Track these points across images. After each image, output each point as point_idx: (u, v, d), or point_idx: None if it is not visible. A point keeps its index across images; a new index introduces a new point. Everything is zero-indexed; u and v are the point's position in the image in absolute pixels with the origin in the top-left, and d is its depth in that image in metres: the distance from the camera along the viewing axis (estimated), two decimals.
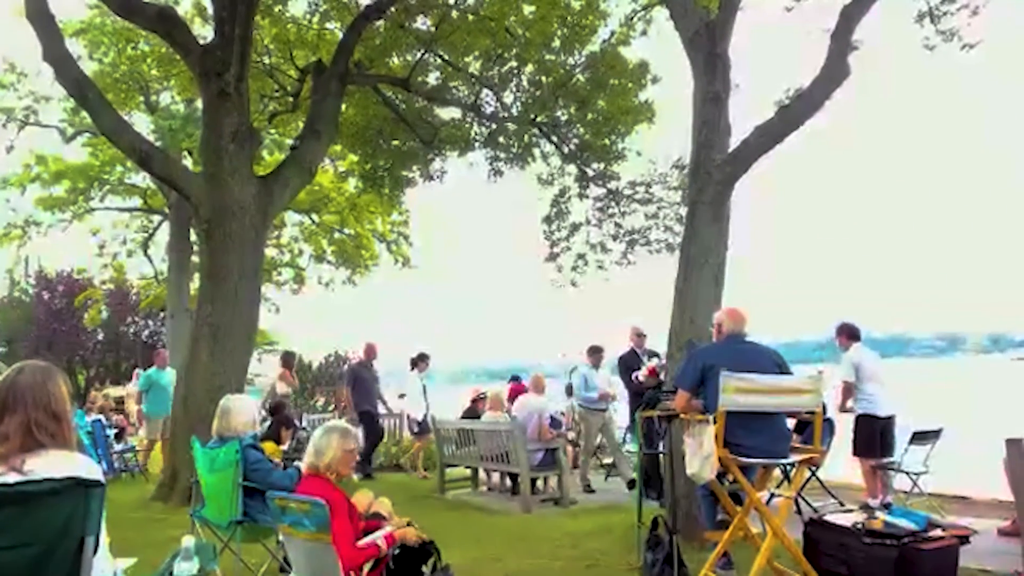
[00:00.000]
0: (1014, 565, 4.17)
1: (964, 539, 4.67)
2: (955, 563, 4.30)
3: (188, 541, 4.38)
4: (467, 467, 9.20)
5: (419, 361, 10.96)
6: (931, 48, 8.65)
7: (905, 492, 6.71)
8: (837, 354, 7.16)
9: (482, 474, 9.42)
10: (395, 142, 12.30)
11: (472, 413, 9.74)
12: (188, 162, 16.38)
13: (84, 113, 11.83)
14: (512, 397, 11.23)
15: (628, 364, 8.28)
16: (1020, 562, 3.33)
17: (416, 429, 10.63)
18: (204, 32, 12.18)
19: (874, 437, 6.69)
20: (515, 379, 11.50)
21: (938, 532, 4.35)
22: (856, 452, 6.82)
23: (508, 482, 8.80)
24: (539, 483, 8.48)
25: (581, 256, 13.10)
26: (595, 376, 9.00)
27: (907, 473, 6.68)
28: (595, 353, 9.17)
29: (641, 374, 7.77)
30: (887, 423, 6.77)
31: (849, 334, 7.08)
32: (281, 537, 3.88)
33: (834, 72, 6.26)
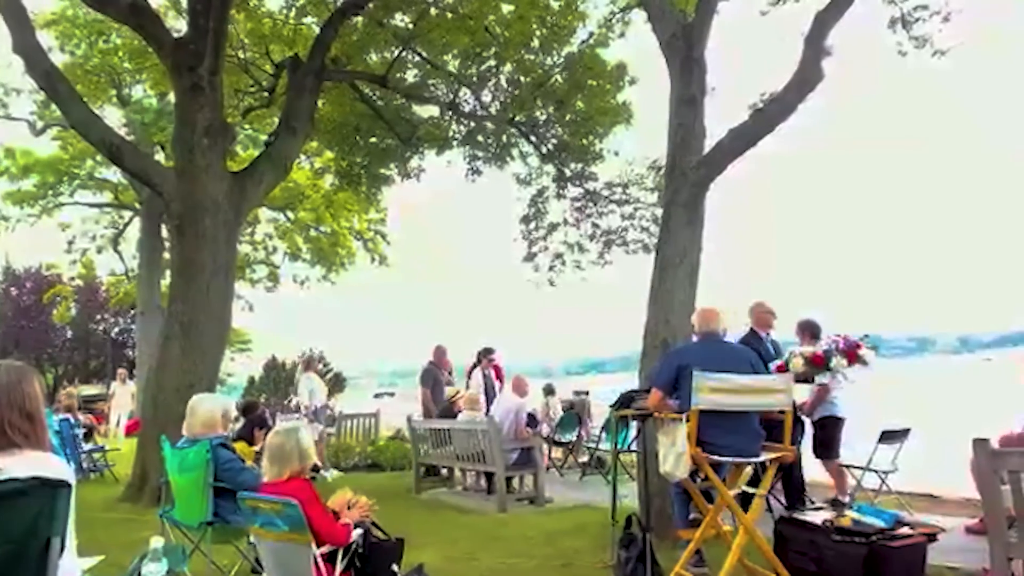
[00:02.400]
0: (981, 562, 4.24)
1: (932, 536, 4.76)
2: (923, 560, 4.37)
3: (156, 542, 4.32)
4: (443, 466, 9.17)
5: (483, 357, 10.27)
6: (903, 54, 8.83)
7: (874, 490, 6.81)
8: None
9: (458, 473, 9.40)
10: (372, 139, 12.24)
11: (447, 412, 9.68)
12: (160, 157, 16.13)
13: (54, 106, 11.61)
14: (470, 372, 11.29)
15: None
16: (987, 559, 3.40)
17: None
18: (178, 25, 12.00)
19: (836, 438, 6.75)
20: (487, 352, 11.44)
21: (906, 530, 4.42)
22: (817, 454, 6.86)
23: (484, 481, 8.79)
24: (515, 482, 8.49)
25: (559, 256, 13.16)
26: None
27: (876, 471, 6.78)
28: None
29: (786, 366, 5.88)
30: (842, 424, 6.85)
31: (812, 333, 6.99)
32: (252, 538, 3.84)
33: (808, 76, 6.34)
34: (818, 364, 5.45)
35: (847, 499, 6.39)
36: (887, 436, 6.77)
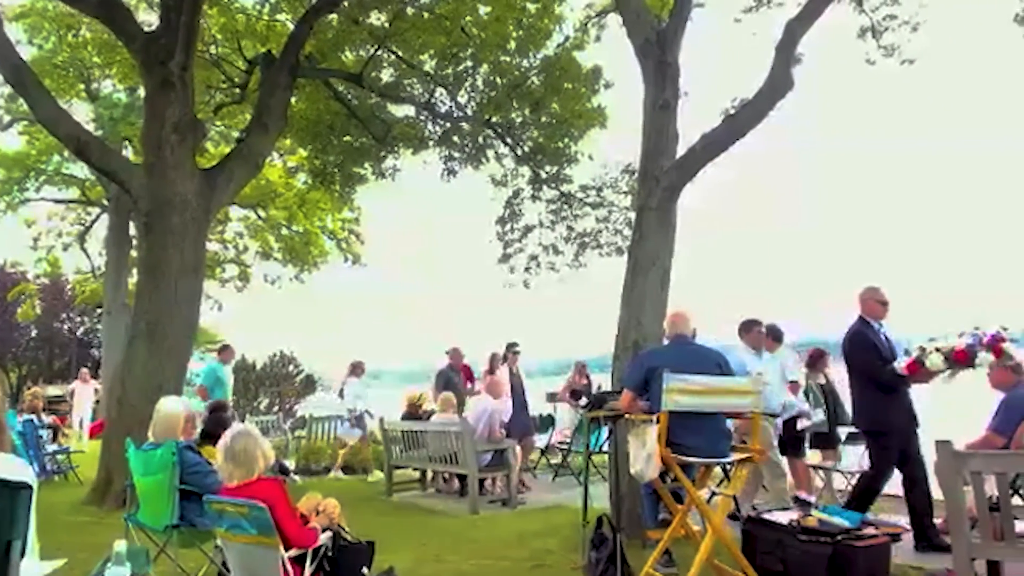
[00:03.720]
0: (944, 562, 4.34)
1: (896, 537, 4.87)
2: (887, 560, 4.46)
3: (120, 545, 4.24)
4: (415, 468, 9.13)
5: (509, 352, 9.80)
6: (872, 63, 9.02)
7: (840, 491, 6.93)
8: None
9: (430, 475, 9.36)
10: (347, 138, 12.15)
11: (412, 416, 9.59)
12: (129, 152, 15.83)
13: (21, 100, 11.35)
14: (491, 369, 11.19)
15: (862, 342, 5.57)
16: (950, 560, 3.47)
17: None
18: (149, 19, 11.81)
19: (803, 437, 6.93)
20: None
21: (871, 530, 4.52)
22: (789, 452, 7.01)
23: (456, 483, 8.77)
24: (488, 484, 8.48)
25: (534, 257, 13.19)
26: (758, 363, 6.65)
27: (842, 472, 6.90)
28: (751, 330, 6.79)
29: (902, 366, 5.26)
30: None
31: (775, 336, 7.23)
32: (219, 542, 3.79)
33: (778, 83, 6.44)
34: (961, 360, 4.94)
35: (813, 499, 6.51)
36: (853, 437, 6.89)
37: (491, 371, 9.73)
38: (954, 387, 5.18)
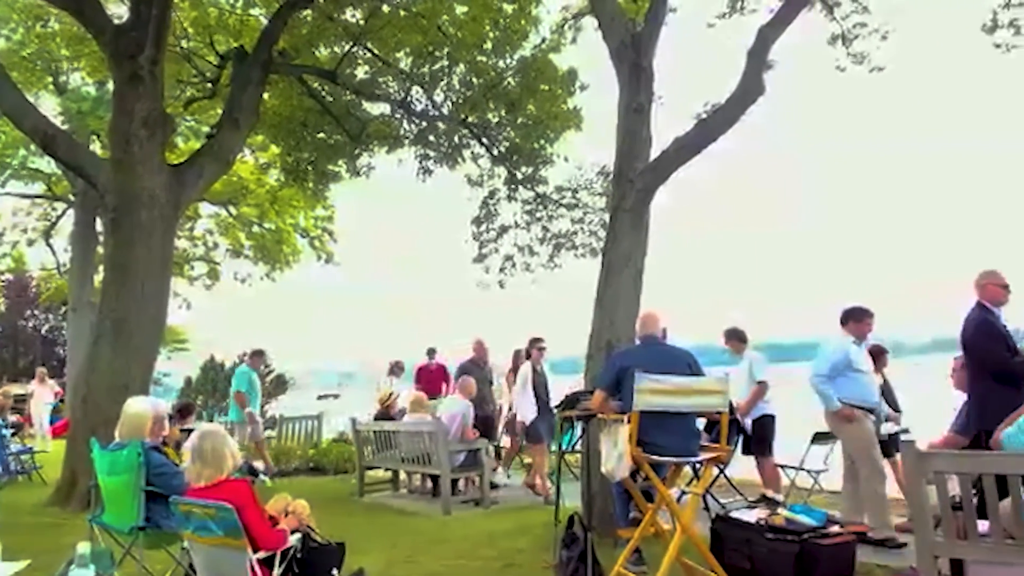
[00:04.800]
0: (909, 561, 4.42)
1: (862, 535, 4.95)
2: (852, 558, 4.54)
3: (84, 547, 4.17)
4: (387, 469, 9.08)
5: (533, 347, 8.86)
6: (842, 70, 9.18)
7: (807, 490, 7.05)
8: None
9: (403, 476, 9.32)
10: (320, 135, 12.05)
11: (383, 416, 9.54)
12: (97, 147, 15.51)
13: None
14: (418, 376, 11.11)
15: (988, 331, 4.94)
16: (915, 558, 3.55)
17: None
18: (119, 11, 11.57)
19: (772, 437, 7.06)
20: (430, 352, 11.41)
21: (837, 528, 4.60)
22: (757, 451, 7.13)
23: (429, 484, 8.73)
24: (460, 484, 8.46)
25: (509, 258, 13.20)
26: (861, 355, 5.91)
27: (808, 471, 7.02)
28: (862, 319, 5.90)
29: None
30: (775, 422, 7.17)
31: (740, 339, 7.45)
32: (186, 544, 3.73)
33: (750, 88, 6.53)
34: None
35: (780, 497, 6.61)
36: (820, 437, 7.02)
37: (515, 369, 9.07)
38: (919, 387, 5.30)
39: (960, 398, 5.31)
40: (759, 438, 7.10)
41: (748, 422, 7.14)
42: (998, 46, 8.17)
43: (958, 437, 5.10)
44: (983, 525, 3.33)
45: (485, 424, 8.83)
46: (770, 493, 6.80)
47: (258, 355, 10.65)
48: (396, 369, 10.99)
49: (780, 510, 4.78)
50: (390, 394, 9.96)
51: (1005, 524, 3.24)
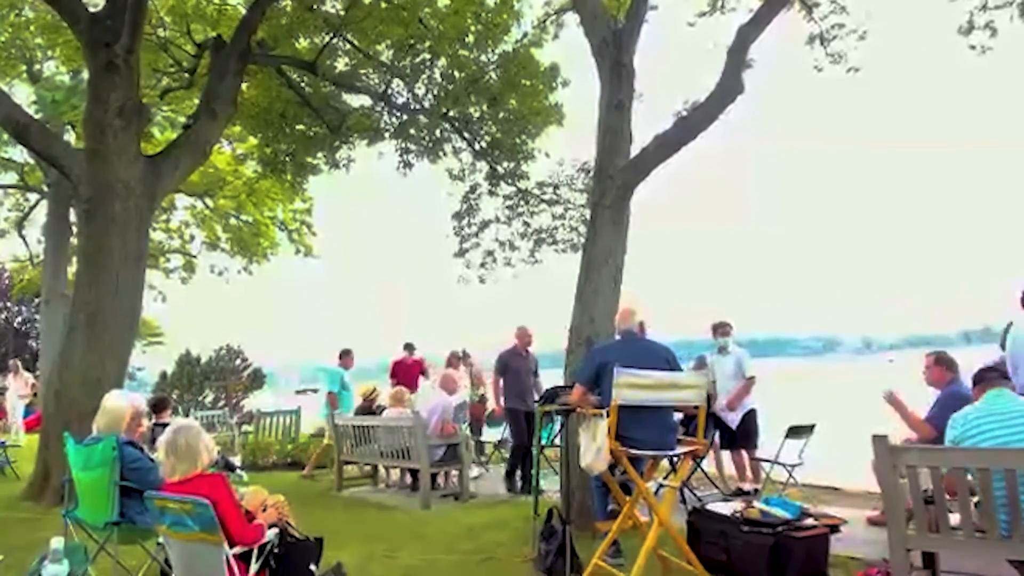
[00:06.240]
0: (882, 552, 4.50)
1: (835, 528, 5.03)
2: (826, 550, 4.61)
3: (56, 542, 4.12)
4: (366, 464, 9.05)
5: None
6: (820, 70, 9.29)
7: (781, 483, 7.14)
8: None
9: (382, 471, 9.29)
10: (299, 127, 11.92)
11: (366, 410, 9.52)
12: (71, 137, 15.23)
13: None
14: (394, 371, 11.06)
15: None
16: (887, 550, 3.61)
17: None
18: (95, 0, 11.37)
19: (756, 430, 7.17)
20: (408, 347, 11.40)
21: (810, 521, 4.67)
22: (742, 445, 7.22)
23: (408, 478, 8.72)
24: (439, 478, 8.46)
25: (490, 253, 13.20)
26: None
27: (783, 465, 7.12)
28: None
29: None
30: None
31: (724, 333, 7.53)
32: (161, 539, 3.69)
33: (729, 86, 6.58)
34: None
35: (759, 486, 6.70)
36: (794, 431, 7.12)
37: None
38: (891, 383, 5.42)
39: (934, 393, 5.46)
40: (744, 432, 7.20)
41: (737, 416, 7.23)
42: (973, 47, 8.32)
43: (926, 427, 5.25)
44: (954, 518, 3.40)
45: (517, 417, 8.31)
46: (747, 485, 6.89)
47: (347, 354, 10.04)
48: (453, 361, 10.73)
49: (755, 503, 4.84)
50: (373, 388, 9.91)
51: (975, 517, 3.32)
